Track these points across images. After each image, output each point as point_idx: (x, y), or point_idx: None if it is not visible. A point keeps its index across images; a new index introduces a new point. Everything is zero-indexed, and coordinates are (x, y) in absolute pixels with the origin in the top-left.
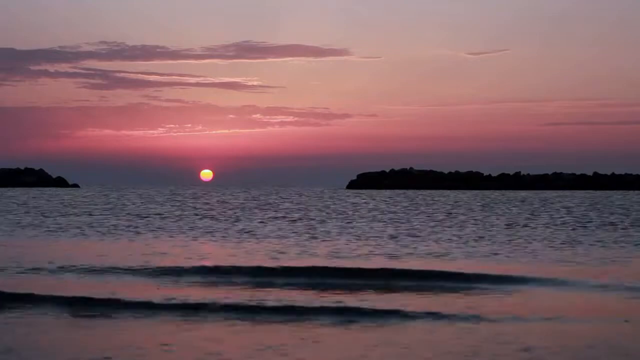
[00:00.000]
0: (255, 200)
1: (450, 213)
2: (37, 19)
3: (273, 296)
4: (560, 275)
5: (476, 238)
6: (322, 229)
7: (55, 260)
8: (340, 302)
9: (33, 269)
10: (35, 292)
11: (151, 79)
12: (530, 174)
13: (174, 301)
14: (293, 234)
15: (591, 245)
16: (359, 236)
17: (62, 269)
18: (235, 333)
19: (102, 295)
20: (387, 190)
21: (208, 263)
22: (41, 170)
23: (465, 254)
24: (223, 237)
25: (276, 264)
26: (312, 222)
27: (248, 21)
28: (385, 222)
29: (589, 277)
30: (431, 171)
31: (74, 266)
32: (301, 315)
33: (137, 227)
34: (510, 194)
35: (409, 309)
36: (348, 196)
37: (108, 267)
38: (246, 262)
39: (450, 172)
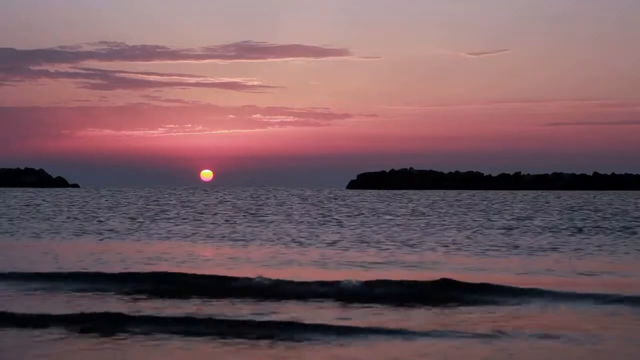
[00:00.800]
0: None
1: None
2: (37, 19)
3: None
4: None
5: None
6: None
7: None
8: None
9: None
10: None
11: (151, 79)
12: (530, 174)
13: None
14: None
15: (579, 250)
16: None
17: None
18: None
19: None
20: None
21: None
22: (41, 170)
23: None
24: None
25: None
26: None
27: (248, 21)
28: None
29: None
30: (431, 171)
31: None
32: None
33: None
34: (510, 194)
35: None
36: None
37: None
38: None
39: (450, 172)
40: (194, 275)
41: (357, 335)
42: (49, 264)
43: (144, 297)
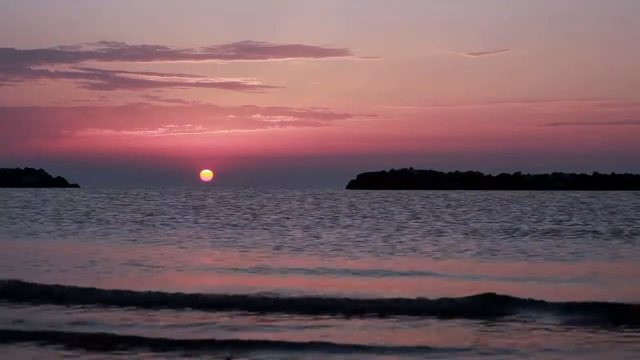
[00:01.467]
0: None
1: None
2: (37, 19)
3: None
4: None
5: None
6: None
7: None
8: None
9: None
10: None
11: (151, 79)
12: (530, 174)
13: None
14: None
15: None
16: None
17: None
18: None
19: None
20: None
21: None
22: (41, 170)
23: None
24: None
25: None
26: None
27: (248, 21)
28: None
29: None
30: (431, 171)
31: None
32: None
33: None
34: (508, 193)
35: None
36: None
37: None
38: None
39: (450, 172)
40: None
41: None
42: None
43: None
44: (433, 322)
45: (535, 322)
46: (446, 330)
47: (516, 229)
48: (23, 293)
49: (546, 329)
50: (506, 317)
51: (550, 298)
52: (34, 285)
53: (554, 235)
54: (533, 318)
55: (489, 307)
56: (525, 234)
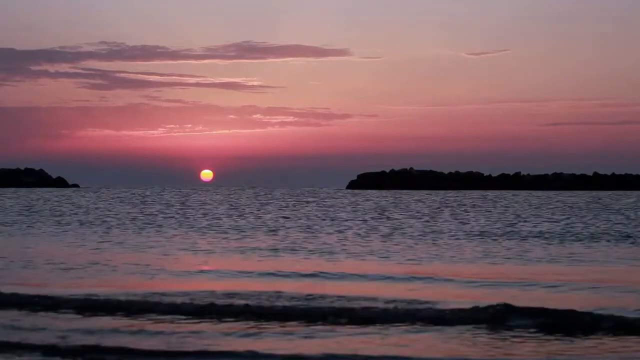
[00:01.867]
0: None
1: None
2: (37, 19)
3: None
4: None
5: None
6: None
7: None
8: None
9: None
10: None
11: (151, 79)
12: (530, 174)
13: None
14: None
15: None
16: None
17: None
18: None
19: None
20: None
21: None
22: (41, 170)
23: None
24: None
25: None
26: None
27: (248, 21)
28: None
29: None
30: (431, 171)
31: None
32: None
33: None
34: (508, 193)
35: None
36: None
37: None
38: None
39: (450, 172)
40: None
41: None
42: None
43: None
44: (436, 329)
45: (535, 329)
46: (451, 340)
47: (516, 230)
48: None
49: (544, 338)
50: (511, 326)
51: (550, 304)
52: None
53: (553, 235)
54: (532, 326)
55: (495, 317)
56: (525, 234)
